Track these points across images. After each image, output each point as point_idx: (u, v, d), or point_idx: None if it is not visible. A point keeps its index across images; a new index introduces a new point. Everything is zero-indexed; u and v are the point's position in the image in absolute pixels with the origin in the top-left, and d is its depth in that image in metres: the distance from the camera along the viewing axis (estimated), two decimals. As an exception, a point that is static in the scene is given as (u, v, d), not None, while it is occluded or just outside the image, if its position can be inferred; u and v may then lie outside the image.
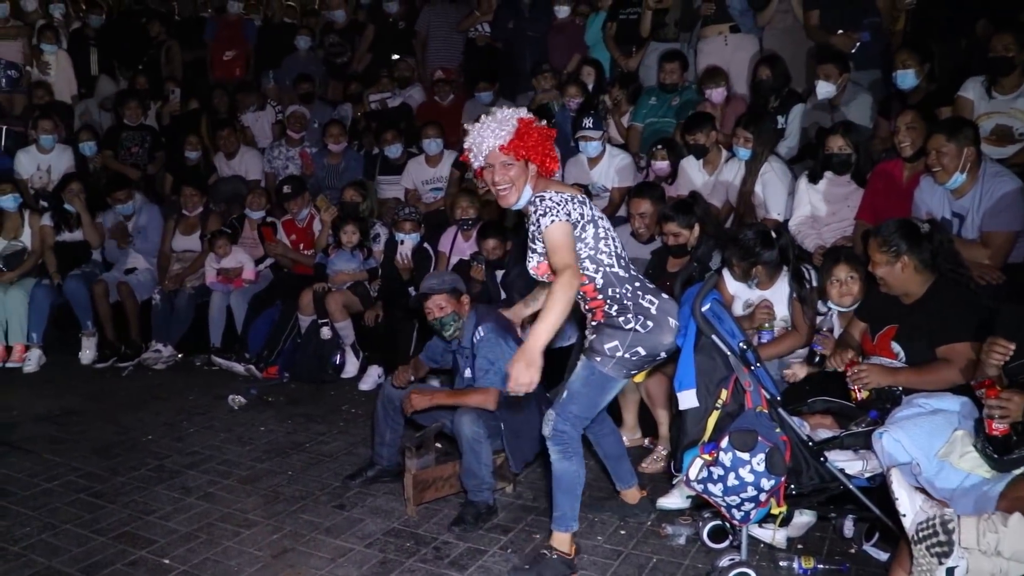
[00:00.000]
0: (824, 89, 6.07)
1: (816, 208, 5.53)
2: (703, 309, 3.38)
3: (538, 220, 3.30)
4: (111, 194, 7.51)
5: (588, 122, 6.55)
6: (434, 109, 8.59)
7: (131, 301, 7.16)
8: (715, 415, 3.36)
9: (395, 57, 9.43)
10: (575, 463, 3.54)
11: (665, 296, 3.58)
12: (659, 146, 6.35)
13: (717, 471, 3.26)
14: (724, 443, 3.24)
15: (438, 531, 4.08)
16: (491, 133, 3.42)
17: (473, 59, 9.13)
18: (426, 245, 6.73)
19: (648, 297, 3.51)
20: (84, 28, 9.73)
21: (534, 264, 3.53)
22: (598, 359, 3.48)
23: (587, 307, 3.58)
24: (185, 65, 9.54)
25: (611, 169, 6.68)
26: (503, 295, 6.02)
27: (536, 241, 3.44)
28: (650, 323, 3.47)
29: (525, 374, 3.16)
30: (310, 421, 5.71)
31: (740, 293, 4.73)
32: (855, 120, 5.80)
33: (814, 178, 5.49)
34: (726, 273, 4.69)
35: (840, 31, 6.75)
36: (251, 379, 6.57)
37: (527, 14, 8.62)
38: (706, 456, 3.29)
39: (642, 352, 3.47)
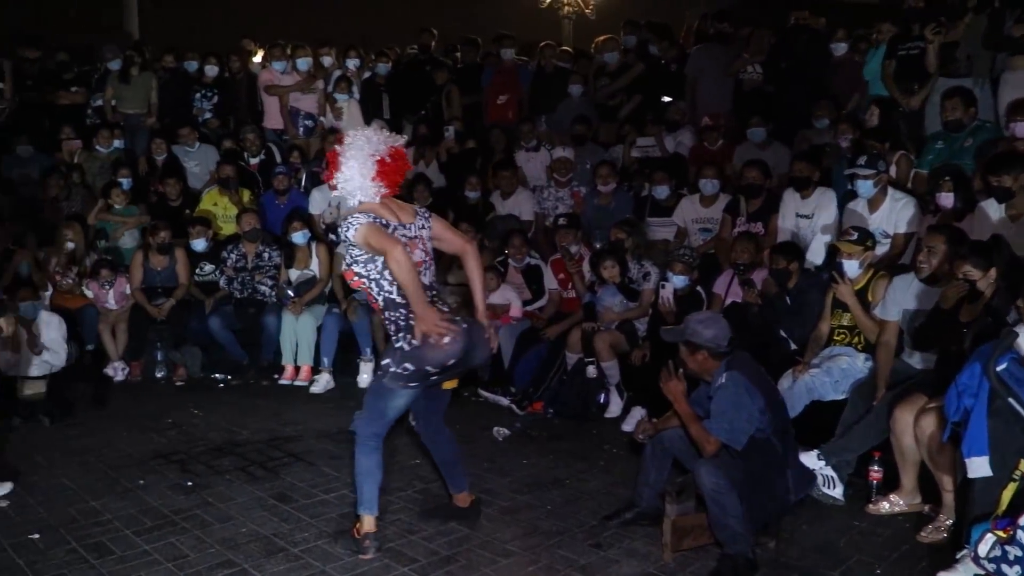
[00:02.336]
0: None
1: None
2: (998, 369, 3.06)
3: (346, 230, 3.95)
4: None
5: (862, 160, 6.21)
6: (705, 152, 8.51)
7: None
8: (1012, 487, 3.05)
9: (665, 100, 9.42)
10: (363, 453, 4.17)
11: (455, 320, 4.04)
12: (947, 177, 5.87)
13: (1014, 551, 2.91)
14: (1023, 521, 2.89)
15: (694, 580, 3.94)
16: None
17: (744, 102, 8.95)
18: (699, 289, 6.62)
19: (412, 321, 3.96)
20: (375, 77, 10.46)
21: (344, 267, 4.22)
22: (379, 372, 4.08)
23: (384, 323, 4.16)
24: (463, 109, 10.02)
25: (893, 214, 6.29)
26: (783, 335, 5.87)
27: (349, 250, 4.04)
28: (416, 342, 3.93)
29: (424, 330, 3.88)
30: (571, 458, 5.72)
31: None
32: None
33: None
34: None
35: None
36: (515, 413, 6.70)
37: (802, 53, 8.35)
38: (1000, 533, 2.97)
39: (410, 367, 3.96)
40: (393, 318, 4.06)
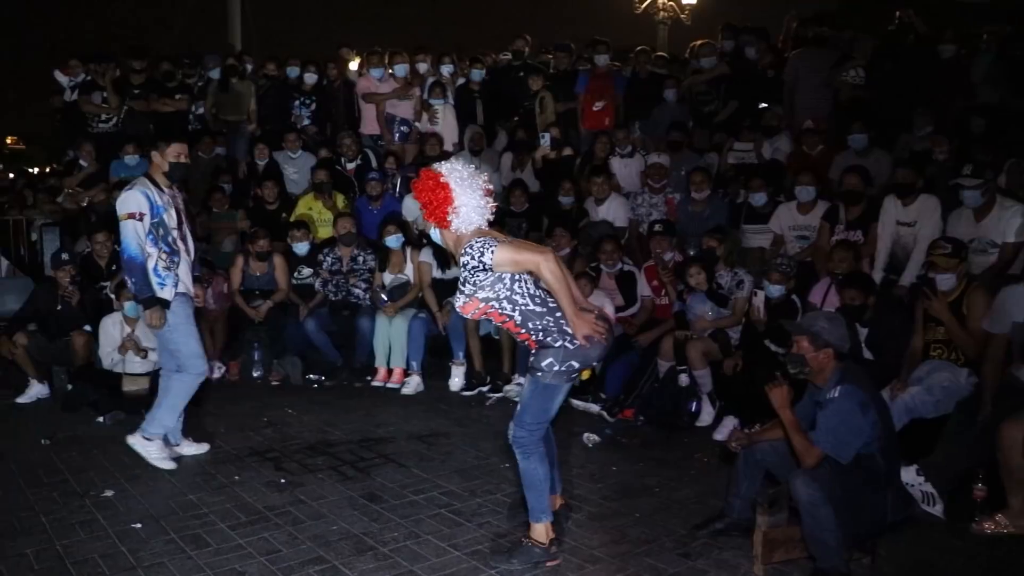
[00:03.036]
0: None
1: None
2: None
3: (479, 263, 3.88)
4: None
5: (967, 169, 6.00)
6: (803, 158, 8.33)
7: (510, 336, 7.53)
8: None
9: (762, 106, 9.27)
10: (534, 462, 4.11)
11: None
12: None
13: None
14: None
15: (785, 593, 3.85)
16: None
17: (843, 107, 8.74)
18: (794, 297, 6.49)
19: (568, 326, 4.00)
20: (469, 83, 10.55)
21: (461, 304, 4.05)
22: (539, 374, 4.03)
23: (520, 339, 4.15)
24: (558, 115, 10.01)
25: (1002, 223, 6.07)
26: (865, 352, 5.68)
27: (466, 284, 3.98)
28: (576, 343, 3.97)
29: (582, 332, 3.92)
30: (661, 466, 5.66)
31: None
32: None
33: None
34: None
35: None
36: (606, 420, 6.65)
37: (907, 56, 8.10)
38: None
39: (575, 364, 4.00)
40: (541, 326, 4.01)
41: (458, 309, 4.09)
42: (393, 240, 7.97)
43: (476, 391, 7.48)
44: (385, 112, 10.30)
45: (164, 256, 5.43)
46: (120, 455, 5.79)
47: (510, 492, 5.10)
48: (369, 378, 7.85)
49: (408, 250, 8.06)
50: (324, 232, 8.96)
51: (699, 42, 10.20)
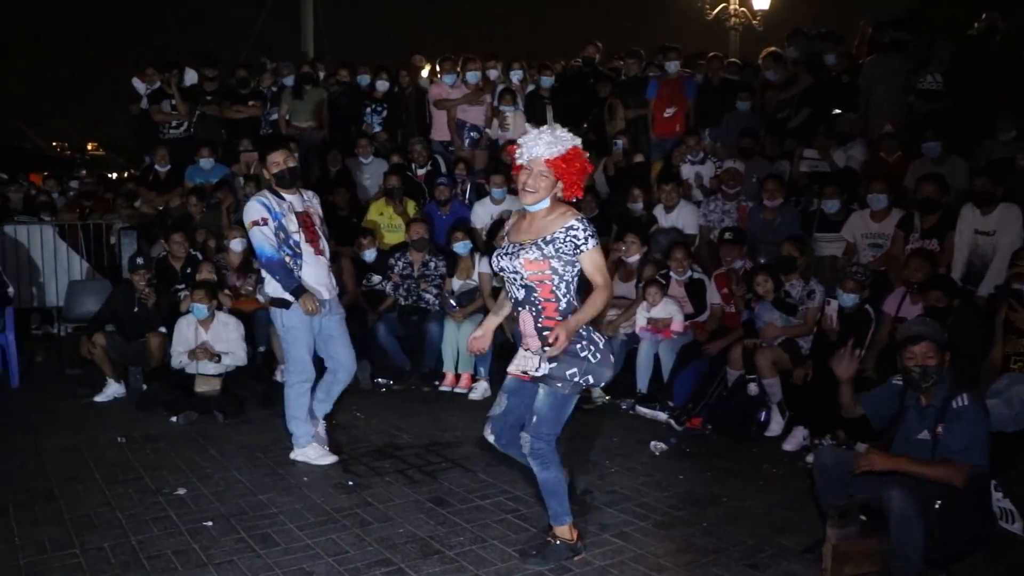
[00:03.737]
0: None
1: None
2: None
3: (585, 238, 3.87)
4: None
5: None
6: (879, 165, 8.17)
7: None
8: None
9: (836, 112, 9.10)
10: (553, 471, 4.14)
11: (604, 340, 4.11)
12: None
13: None
14: None
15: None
16: (544, 144, 3.89)
17: (921, 113, 8.54)
18: (867, 307, 6.36)
19: (598, 334, 4.07)
20: (538, 90, 10.56)
21: (532, 257, 3.92)
22: (559, 384, 3.99)
23: (541, 324, 4.01)
24: (627, 122, 9.96)
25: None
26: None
27: (550, 245, 3.90)
28: (599, 355, 4.00)
29: (564, 339, 3.80)
30: (729, 476, 5.58)
31: None
32: None
33: None
34: None
35: None
36: (673, 428, 6.59)
37: (991, 59, 7.89)
38: None
39: (591, 380, 4.02)
40: None
41: (521, 260, 3.95)
42: (461, 246, 8.00)
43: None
44: (456, 118, 10.37)
45: (288, 259, 5.58)
46: (192, 454, 5.93)
47: (575, 499, 5.05)
48: (437, 383, 7.90)
49: (477, 257, 8.10)
50: (392, 238, 9.04)
51: (766, 52, 10.07)
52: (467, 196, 9.54)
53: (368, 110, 10.81)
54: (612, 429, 6.62)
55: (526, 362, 4.08)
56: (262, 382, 7.46)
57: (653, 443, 6.13)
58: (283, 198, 5.64)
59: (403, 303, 8.23)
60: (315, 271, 5.69)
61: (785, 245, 7.01)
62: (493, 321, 4.53)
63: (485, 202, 9.03)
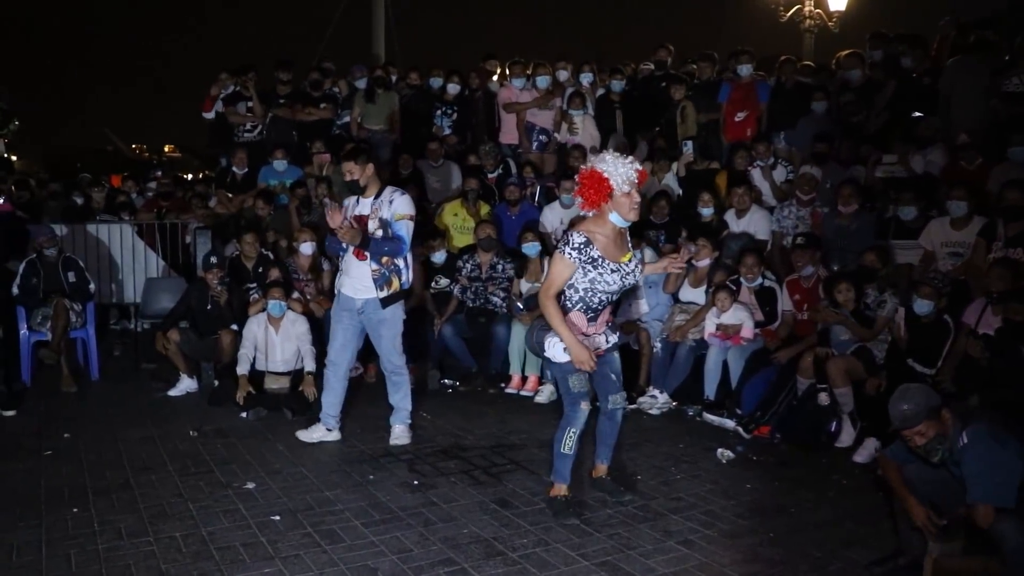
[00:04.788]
0: None
1: None
2: None
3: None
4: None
5: None
6: (959, 171, 7.94)
7: (647, 348, 7.46)
8: None
9: (915, 115, 8.88)
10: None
11: None
12: None
13: None
14: None
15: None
16: (630, 168, 4.52)
17: (1005, 117, 8.29)
18: (946, 317, 6.19)
19: None
20: (608, 93, 10.51)
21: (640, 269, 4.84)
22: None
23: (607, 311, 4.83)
24: (699, 126, 9.86)
25: None
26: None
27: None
28: None
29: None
30: (797, 486, 5.48)
31: None
32: None
33: None
34: None
35: None
36: (741, 436, 6.49)
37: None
38: None
39: None
40: None
41: (637, 274, 4.81)
42: (531, 248, 8.00)
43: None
44: (525, 121, 10.38)
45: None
46: (261, 449, 6.04)
47: (641, 504, 5.04)
48: (503, 385, 7.92)
49: (546, 260, 8.08)
50: (463, 240, 9.09)
51: (845, 53, 9.87)
52: (536, 199, 9.54)
53: (438, 113, 10.89)
54: (678, 435, 6.55)
55: (596, 339, 4.79)
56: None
57: (720, 450, 6.06)
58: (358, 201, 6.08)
59: (470, 305, 8.26)
60: (346, 270, 6.19)
61: (867, 254, 6.85)
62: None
63: (554, 206, 9.02)
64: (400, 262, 6.05)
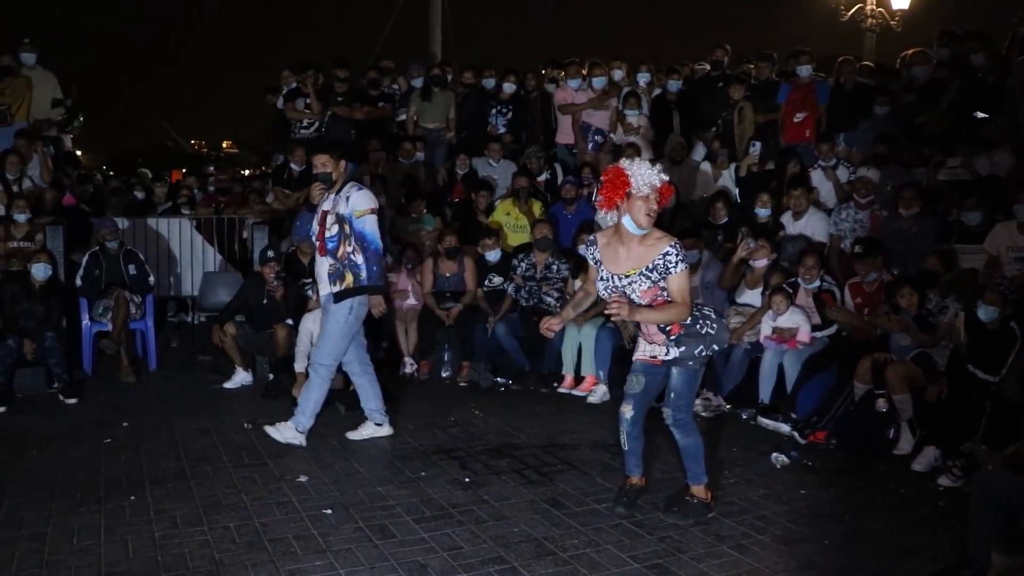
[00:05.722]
0: None
1: None
2: None
3: (676, 262, 4.42)
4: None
5: None
6: (1026, 173, 7.75)
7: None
8: None
9: (980, 116, 8.67)
10: (692, 436, 4.79)
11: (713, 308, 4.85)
12: None
13: None
14: None
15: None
16: (655, 174, 4.44)
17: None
18: (1013, 324, 6.02)
19: (706, 310, 4.71)
20: (665, 93, 10.42)
21: (645, 288, 4.49)
22: (690, 363, 4.63)
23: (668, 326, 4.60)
24: (757, 127, 9.74)
25: None
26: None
27: (654, 271, 4.46)
28: (716, 324, 4.65)
29: (625, 309, 4.30)
30: (853, 493, 5.37)
31: None
32: None
33: None
34: None
35: None
36: (796, 441, 6.40)
37: None
38: None
39: (716, 347, 4.71)
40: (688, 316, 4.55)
41: (638, 293, 4.52)
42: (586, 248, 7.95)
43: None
44: (580, 122, 10.35)
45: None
46: (314, 443, 6.08)
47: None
48: (556, 384, 7.90)
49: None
50: (515, 239, 9.08)
51: (912, 51, 9.67)
52: (592, 200, 9.48)
53: (493, 112, 10.90)
54: (732, 439, 6.47)
55: (654, 349, 4.67)
56: (383, 377, 7.55)
57: (774, 455, 5.97)
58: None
59: (524, 304, 8.25)
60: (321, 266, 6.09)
61: (930, 258, 6.72)
62: (569, 313, 5.11)
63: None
64: (359, 258, 5.92)
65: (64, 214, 9.58)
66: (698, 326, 4.58)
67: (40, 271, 7.72)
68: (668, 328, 4.57)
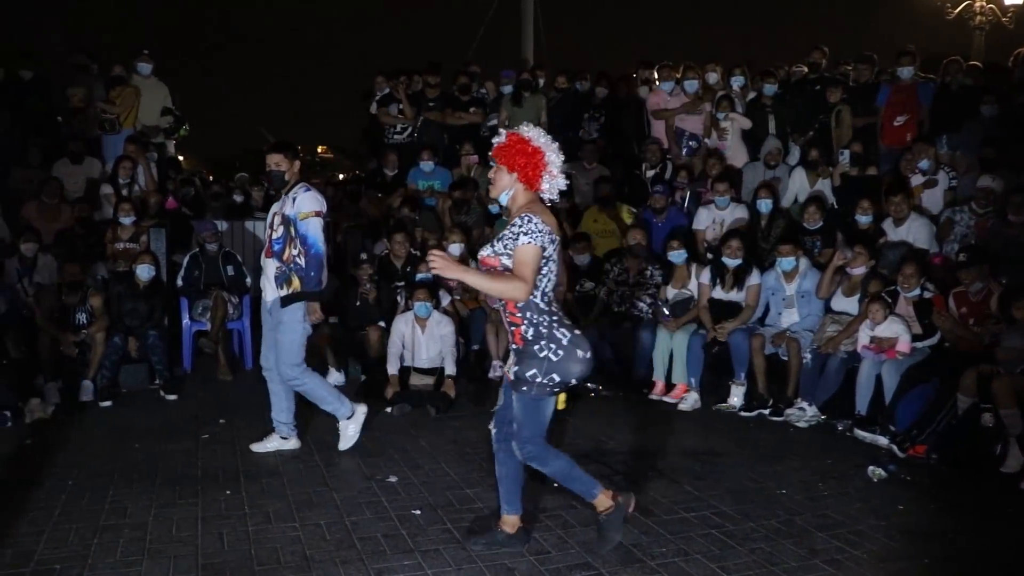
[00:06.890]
0: None
1: None
2: None
3: (517, 234, 3.84)
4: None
5: None
6: None
7: (796, 359, 7.21)
8: None
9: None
10: (553, 463, 4.19)
11: (579, 332, 4.07)
12: None
13: None
14: None
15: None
16: (497, 139, 4.07)
17: None
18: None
19: (562, 331, 3.98)
20: (760, 97, 10.24)
21: (484, 255, 4.02)
22: (524, 388, 3.99)
23: (508, 320, 4.06)
24: (856, 131, 9.47)
25: None
26: None
27: (499, 243, 3.94)
28: (561, 352, 3.94)
29: (446, 266, 3.75)
30: (955, 511, 5.16)
31: None
32: None
33: None
34: None
35: None
36: (895, 455, 6.19)
37: None
38: None
39: (556, 378, 3.96)
40: (535, 322, 3.98)
41: (480, 255, 4.09)
42: (676, 255, 7.88)
43: (756, 413, 7.23)
44: (674, 127, 10.24)
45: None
46: (405, 444, 6.16)
47: (785, 519, 4.87)
48: (646, 391, 7.81)
49: (694, 267, 7.95)
50: (603, 245, 9.03)
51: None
52: (686, 204, 9.39)
53: (586, 116, 10.86)
54: (827, 451, 6.30)
55: (509, 361, 4.17)
56: (473, 379, 7.61)
57: (871, 468, 5.78)
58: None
59: (616, 310, 8.19)
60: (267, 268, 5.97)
61: None
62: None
63: (710, 207, 8.86)
64: (302, 260, 5.77)
65: (167, 217, 9.91)
66: (537, 347, 3.96)
67: (144, 271, 8.00)
68: (512, 335, 4.06)
